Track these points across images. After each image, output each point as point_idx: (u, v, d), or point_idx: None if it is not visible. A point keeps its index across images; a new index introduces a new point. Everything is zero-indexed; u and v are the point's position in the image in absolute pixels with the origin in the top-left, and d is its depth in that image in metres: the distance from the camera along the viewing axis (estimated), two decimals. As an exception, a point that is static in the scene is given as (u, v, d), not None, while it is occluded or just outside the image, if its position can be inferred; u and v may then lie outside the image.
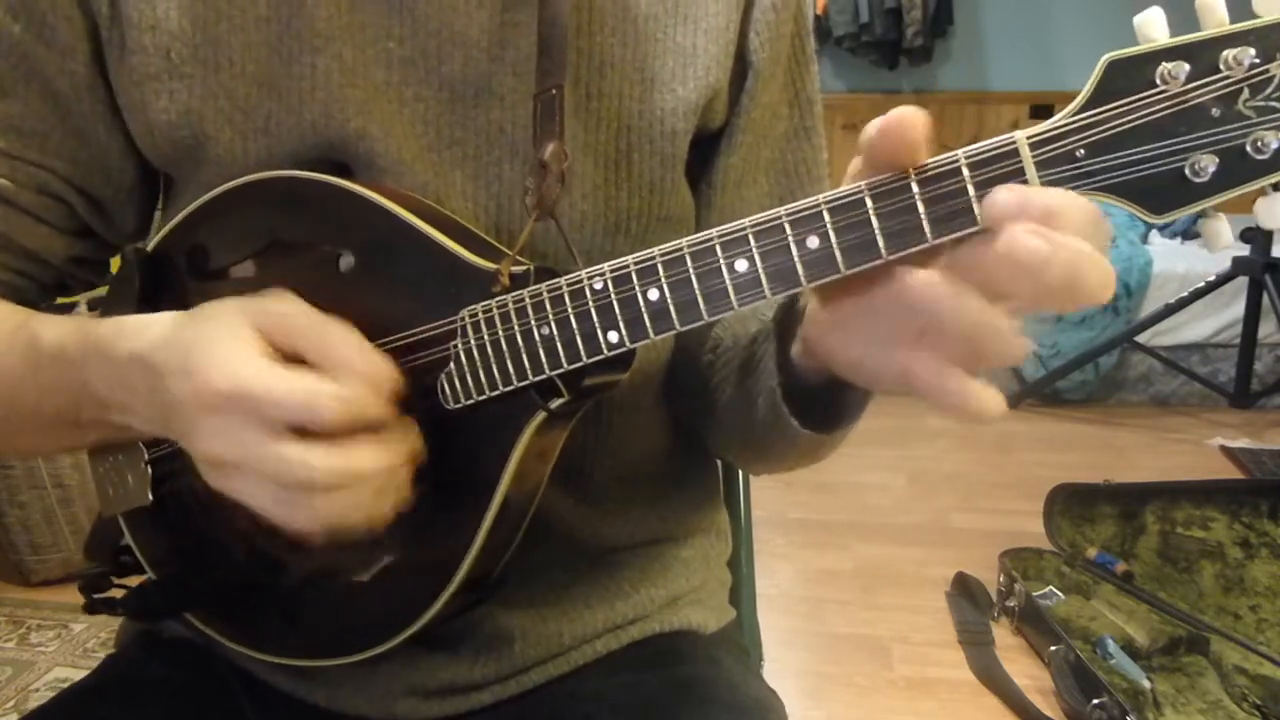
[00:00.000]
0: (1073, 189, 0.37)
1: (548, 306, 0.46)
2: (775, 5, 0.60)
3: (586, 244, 0.59)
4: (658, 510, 0.69)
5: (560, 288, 0.46)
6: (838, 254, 0.39)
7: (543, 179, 0.52)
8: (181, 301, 0.57)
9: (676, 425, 0.69)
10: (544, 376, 0.47)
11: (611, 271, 0.44)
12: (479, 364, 0.48)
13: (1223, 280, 2.78)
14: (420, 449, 0.47)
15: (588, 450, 0.63)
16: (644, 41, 0.58)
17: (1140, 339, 2.92)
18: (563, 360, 0.46)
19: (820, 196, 0.40)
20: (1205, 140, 0.35)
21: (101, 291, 0.62)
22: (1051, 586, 1.87)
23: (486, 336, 0.48)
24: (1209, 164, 0.35)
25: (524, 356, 0.47)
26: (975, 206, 0.37)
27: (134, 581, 0.61)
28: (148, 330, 0.48)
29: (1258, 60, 0.34)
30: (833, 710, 1.67)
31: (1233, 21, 0.35)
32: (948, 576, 2.01)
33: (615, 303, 0.44)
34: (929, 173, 0.38)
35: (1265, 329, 2.86)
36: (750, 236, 0.41)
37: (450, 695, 0.61)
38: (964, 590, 1.96)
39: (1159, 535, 1.92)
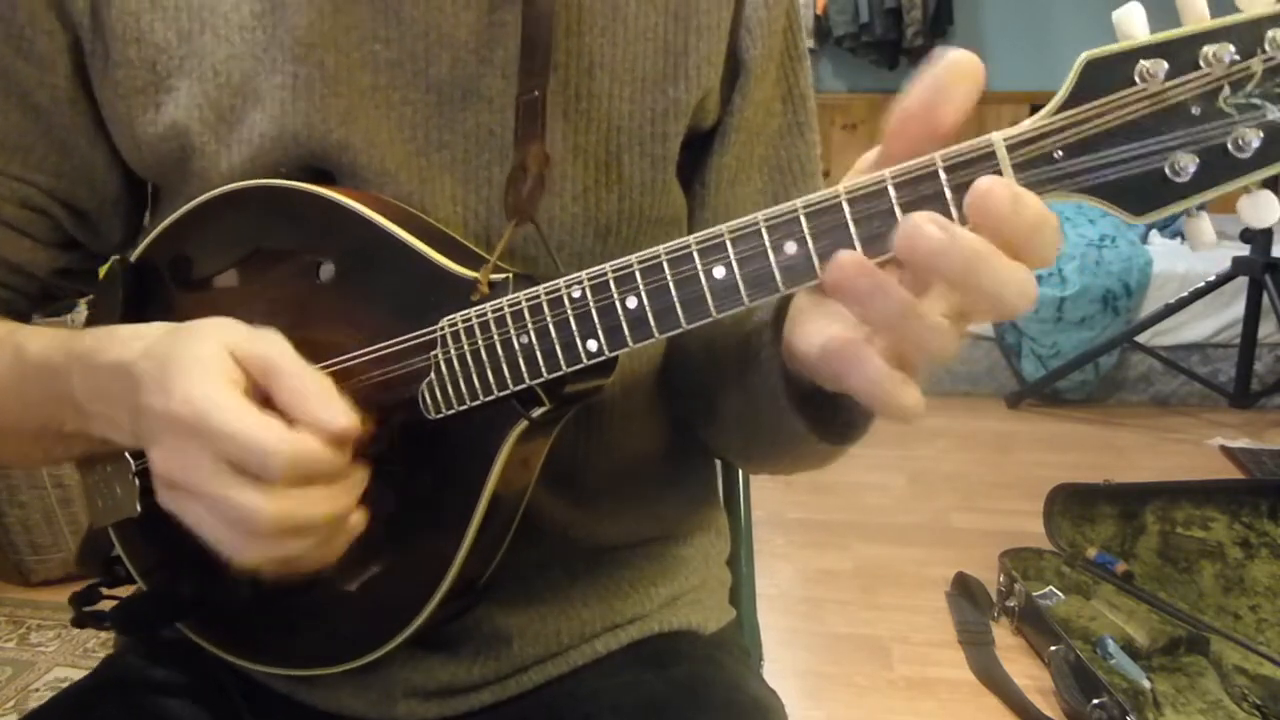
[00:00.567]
0: (1052, 190, 0.36)
1: (526, 315, 0.46)
2: (767, 2, 0.60)
3: (576, 247, 0.58)
4: (655, 510, 0.69)
5: (539, 296, 0.45)
6: (815, 260, 0.39)
7: (522, 182, 0.52)
8: (165, 310, 0.56)
9: (672, 425, 0.69)
10: (524, 386, 0.47)
11: (589, 279, 0.44)
12: (459, 374, 0.48)
13: (1223, 280, 2.78)
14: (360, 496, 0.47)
15: (581, 451, 0.62)
16: (634, 41, 0.58)
17: (1140, 339, 2.91)
18: (543, 370, 0.46)
19: (798, 201, 0.39)
20: (1185, 139, 0.35)
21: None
22: (1051, 586, 1.87)
23: (466, 346, 0.47)
24: (1189, 163, 0.35)
25: (504, 366, 0.47)
26: (953, 210, 0.36)
27: (125, 592, 0.61)
28: (133, 341, 0.48)
29: (1237, 57, 0.34)
30: (833, 710, 1.66)
31: (1214, 16, 0.35)
32: (948, 576, 2.01)
33: (594, 311, 0.44)
34: (906, 176, 0.37)
35: (1265, 329, 2.85)
36: (728, 243, 0.40)
37: (449, 696, 0.61)
38: (964, 590, 1.95)
39: (1159, 535, 1.91)
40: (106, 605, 0.61)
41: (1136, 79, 0.35)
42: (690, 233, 0.42)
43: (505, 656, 0.61)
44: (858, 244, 0.38)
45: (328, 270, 0.52)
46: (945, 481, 2.54)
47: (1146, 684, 1.56)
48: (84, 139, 0.58)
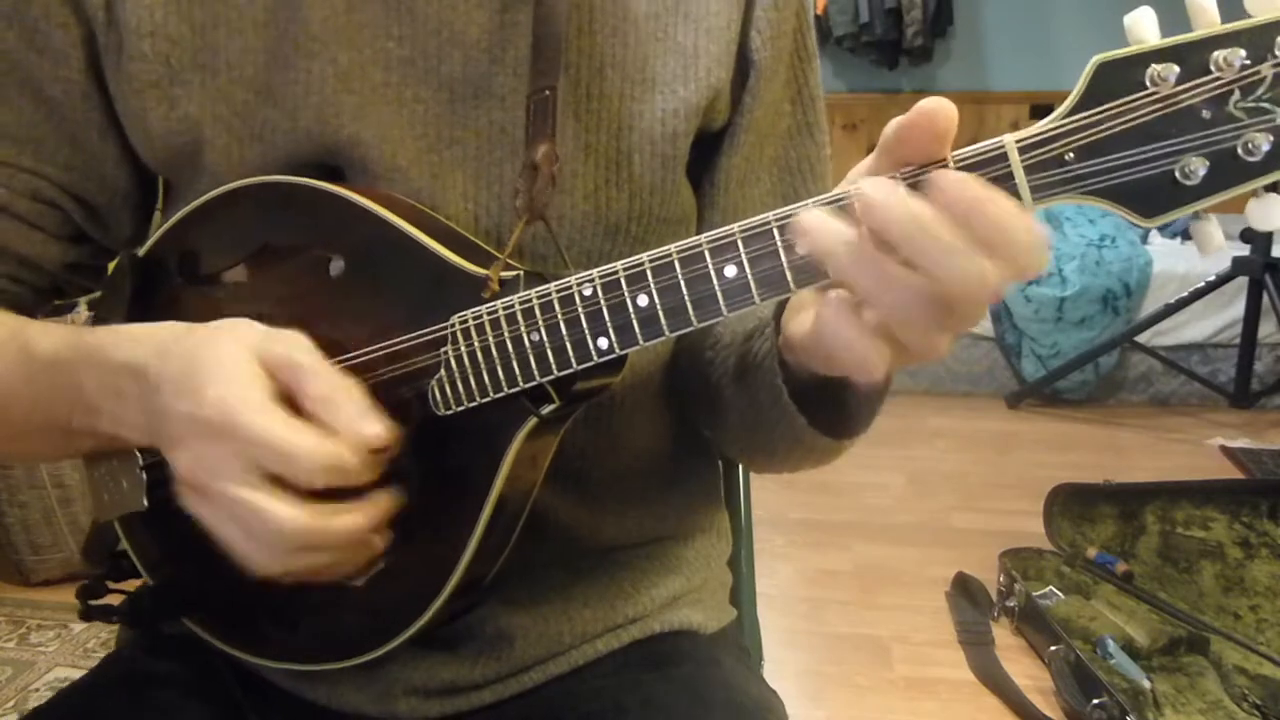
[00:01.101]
0: (1063, 193, 0.36)
1: (537, 313, 0.46)
2: (777, 2, 0.60)
3: (586, 245, 0.58)
4: (658, 510, 0.69)
5: (550, 293, 0.46)
6: None
7: (533, 180, 0.52)
8: (173, 305, 0.57)
9: (677, 425, 0.69)
10: (534, 383, 0.47)
11: (601, 277, 0.44)
12: (469, 370, 0.48)
13: (1223, 280, 2.78)
14: (390, 508, 0.47)
15: (587, 450, 0.62)
16: (644, 42, 0.58)
17: (1140, 339, 2.91)
18: (553, 367, 0.46)
19: (809, 201, 0.39)
20: (1195, 143, 0.35)
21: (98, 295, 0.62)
22: (1051, 586, 1.87)
23: (476, 343, 0.48)
24: (1199, 166, 0.35)
25: (514, 363, 0.47)
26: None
27: (131, 586, 0.61)
28: (146, 340, 0.48)
29: (1248, 61, 0.34)
30: (833, 710, 1.66)
31: (1225, 21, 0.35)
32: (948, 576, 2.01)
33: (605, 309, 0.44)
34: (918, 176, 0.37)
35: (1265, 329, 2.85)
36: (739, 242, 0.41)
37: (451, 695, 0.61)
38: (964, 590, 1.95)
39: (1159, 535, 1.91)
40: (112, 600, 0.61)
41: (1148, 82, 0.35)
42: (699, 232, 0.42)
43: (507, 656, 0.61)
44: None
45: (337, 266, 0.52)
46: (945, 481, 2.55)
47: (1146, 684, 1.56)
48: (96, 133, 0.58)
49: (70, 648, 1.86)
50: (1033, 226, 0.35)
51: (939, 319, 0.37)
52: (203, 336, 0.46)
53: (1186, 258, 2.96)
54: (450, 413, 0.49)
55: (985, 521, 2.28)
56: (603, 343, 0.45)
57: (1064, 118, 0.36)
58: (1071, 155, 0.36)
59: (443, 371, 0.49)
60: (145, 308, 0.57)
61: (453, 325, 0.48)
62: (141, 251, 0.58)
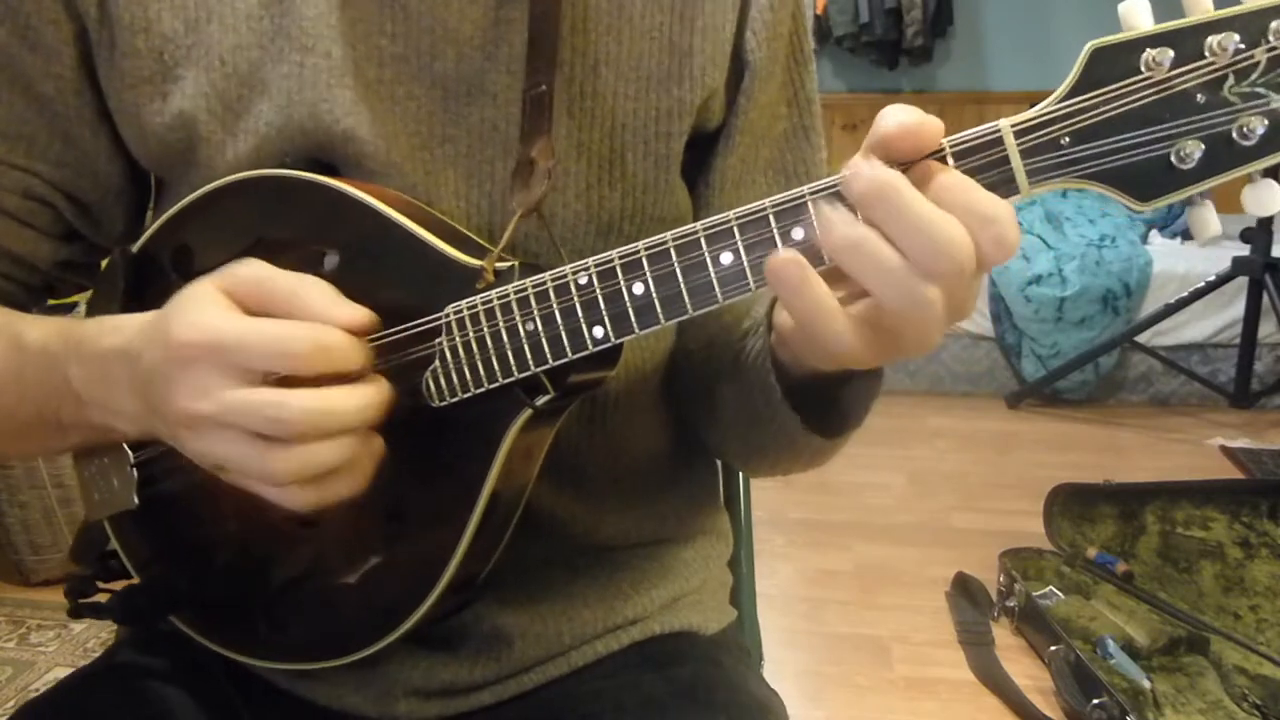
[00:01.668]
0: (1059, 176, 0.36)
1: (532, 302, 0.46)
2: (773, 4, 0.60)
3: (579, 244, 0.58)
4: (657, 511, 0.68)
5: (545, 283, 0.45)
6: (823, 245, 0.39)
7: (529, 176, 0.52)
8: (165, 300, 0.56)
9: (676, 426, 0.69)
10: (529, 373, 0.47)
11: (596, 266, 0.44)
12: (464, 361, 0.48)
13: (1223, 280, 2.78)
14: (390, 399, 0.47)
15: (584, 450, 0.62)
16: (639, 40, 0.58)
17: (1140, 339, 2.91)
18: (548, 356, 0.46)
19: (805, 188, 0.39)
20: (1191, 126, 0.35)
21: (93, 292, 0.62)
22: (1051, 586, 1.87)
23: (471, 333, 0.47)
24: (1195, 150, 0.35)
25: (509, 353, 0.47)
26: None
27: (121, 586, 0.61)
28: (128, 324, 0.48)
29: (1242, 46, 0.34)
30: (833, 710, 1.66)
31: (1219, 7, 0.35)
32: (948, 576, 2.01)
33: (600, 297, 0.44)
34: (915, 163, 0.37)
35: (1265, 329, 2.85)
36: (735, 229, 0.41)
37: (450, 695, 0.61)
38: (964, 590, 1.95)
39: (1159, 535, 1.91)
40: (102, 599, 0.61)
41: (1142, 67, 0.35)
42: None
43: (506, 657, 0.61)
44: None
45: (332, 260, 0.52)
46: (945, 481, 2.54)
47: (1146, 684, 1.56)
48: (88, 129, 0.58)
49: (70, 648, 1.86)
50: (996, 198, 0.36)
51: (924, 299, 0.37)
52: (171, 302, 0.46)
53: (1186, 258, 2.96)
54: (445, 404, 0.49)
55: (985, 521, 2.28)
56: (598, 331, 0.45)
57: (1059, 102, 0.36)
58: (1067, 139, 0.36)
59: (437, 363, 0.48)
60: (139, 304, 0.56)
61: (447, 316, 0.48)
62: (135, 247, 0.58)
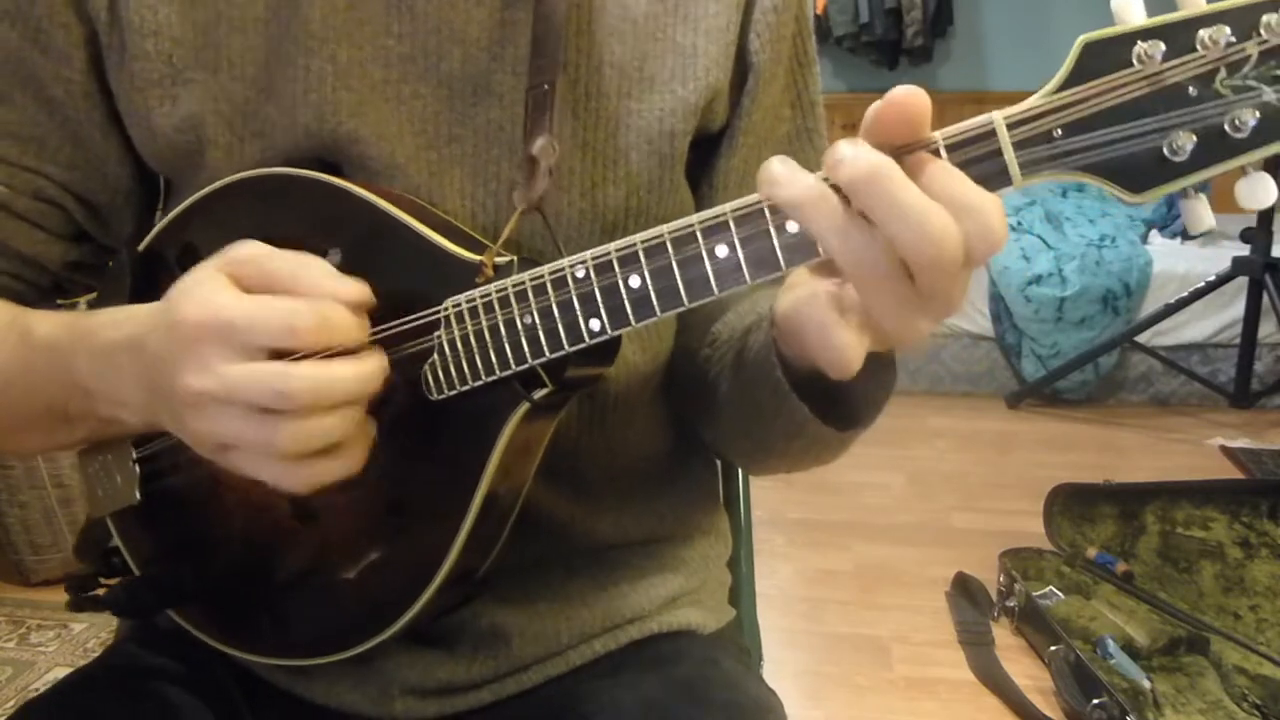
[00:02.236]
0: (1052, 168, 0.37)
1: (530, 295, 0.46)
2: (776, 6, 0.60)
3: (582, 242, 0.58)
4: (655, 509, 0.69)
5: (543, 276, 0.46)
6: None
7: (531, 172, 0.52)
8: None
9: (675, 426, 0.69)
10: (526, 366, 0.47)
11: (593, 259, 0.44)
12: (462, 354, 0.48)
13: (1223, 280, 2.78)
14: (387, 369, 0.47)
15: (583, 449, 0.62)
16: (643, 41, 0.58)
17: (1140, 339, 2.91)
18: (545, 349, 0.46)
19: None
20: (1183, 119, 0.35)
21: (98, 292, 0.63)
22: (1051, 586, 1.87)
23: (470, 327, 0.48)
24: (1187, 142, 0.35)
25: (506, 346, 0.47)
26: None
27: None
28: (135, 315, 0.49)
29: (1234, 39, 0.34)
30: (833, 710, 1.66)
31: (1210, 1, 0.35)
32: (948, 576, 2.01)
33: (597, 290, 0.44)
34: (907, 155, 0.37)
35: (1265, 329, 2.85)
36: (731, 222, 0.41)
37: (448, 694, 0.61)
38: (964, 590, 1.95)
39: (1159, 535, 1.91)
40: (101, 593, 0.61)
41: (1134, 60, 0.35)
42: None
43: (504, 655, 0.61)
44: None
45: (333, 256, 0.52)
46: (945, 481, 2.54)
47: (1146, 684, 1.56)
48: (98, 132, 0.59)
49: (70, 648, 1.86)
50: (984, 190, 0.37)
51: (905, 285, 0.37)
52: (173, 290, 0.47)
53: (1186, 258, 2.96)
54: (443, 398, 0.49)
55: (985, 521, 2.28)
56: (595, 324, 0.45)
57: (1052, 94, 0.36)
58: (1059, 131, 0.36)
59: (436, 356, 0.49)
60: (144, 301, 0.57)
61: (446, 309, 0.48)
62: (141, 246, 0.58)
